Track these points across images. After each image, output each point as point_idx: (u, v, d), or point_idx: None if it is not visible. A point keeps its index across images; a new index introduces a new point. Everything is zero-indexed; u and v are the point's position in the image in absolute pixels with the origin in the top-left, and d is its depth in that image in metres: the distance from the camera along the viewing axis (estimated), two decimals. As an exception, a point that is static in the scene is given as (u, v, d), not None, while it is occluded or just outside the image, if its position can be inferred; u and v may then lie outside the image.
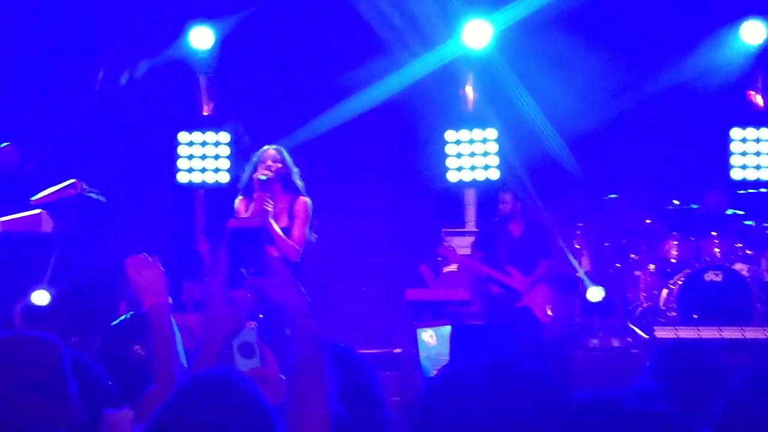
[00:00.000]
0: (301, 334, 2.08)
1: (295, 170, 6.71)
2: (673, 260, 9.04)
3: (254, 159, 6.77)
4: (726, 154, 9.75)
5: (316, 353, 2.07)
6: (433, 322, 8.59)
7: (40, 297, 8.27)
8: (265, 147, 6.81)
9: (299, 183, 6.70)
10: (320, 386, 2.02)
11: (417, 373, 8.54)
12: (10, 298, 8.49)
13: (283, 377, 2.68)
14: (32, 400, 2.18)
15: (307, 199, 6.69)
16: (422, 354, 8.35)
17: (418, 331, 8.56)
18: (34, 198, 8.80)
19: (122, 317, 3.67)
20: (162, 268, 3.06)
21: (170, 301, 3.05)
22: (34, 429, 2.19)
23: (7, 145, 9.27)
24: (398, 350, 8.75)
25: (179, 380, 2.77)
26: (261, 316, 5.93)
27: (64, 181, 8.81)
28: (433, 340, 8.28)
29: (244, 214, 6.65)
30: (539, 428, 1.38)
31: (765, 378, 1.44)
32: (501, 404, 1.39)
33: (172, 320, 3.00)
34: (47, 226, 8.75)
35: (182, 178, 10.21)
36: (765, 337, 8.08)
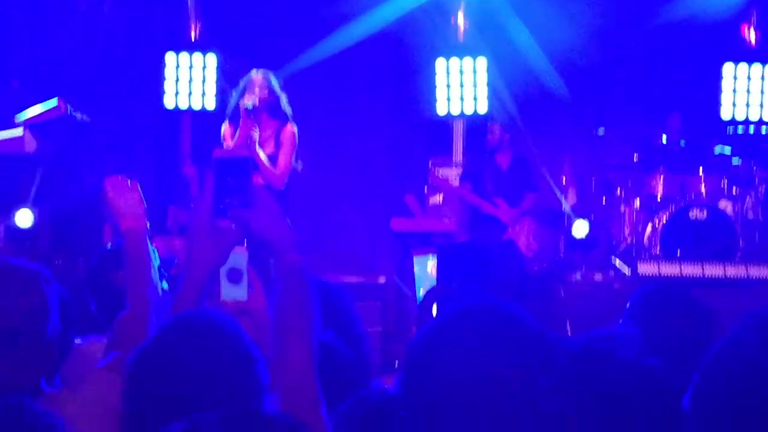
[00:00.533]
0: (285, 269, 2.03)
1: (283, 97, 6.63)
2: (658, 197, 9.05)
3: (241, 85, 6.68)
4: (717, 90, 9.70)
5: (301, 289, 2.02)
6: (428, 249, 8.62)
7: (24, 218, 8.23)
8: (253, 73, 6.71)
9: (287, 110, 6.62)
10: (305, 323, 1.98)
11: (408, 301, 8.59)
12: (-6, 218, 8.47)
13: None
14: (10, 341, 2.12)
15: (294, 127, 6.62)
16: (420, 284, 8.38)
17: (415, 258, 8.59)
18: (18, 117, 8.70)
19: (108, 245, 3.64)
20: (141, 191, 3.03)
21: (147, 225, 3.02)
22: (10, 377, 2.13)
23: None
24: (382, 279, 8.78)
25: (153, 306, 2.77)
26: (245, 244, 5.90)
27: (49, 100, 8.70)
28: (432, 271, 8.32)
29: (230, 141, 6.59)
30: (527, 379, 1.36)
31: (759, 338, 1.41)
32: (488, 357, 1.36)
33: (149, 244, 2.98)
34: (31, 146, 8.67)
35: (169, 102, 10.12)
36: (746, 275, 8.14)
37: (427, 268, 8.51)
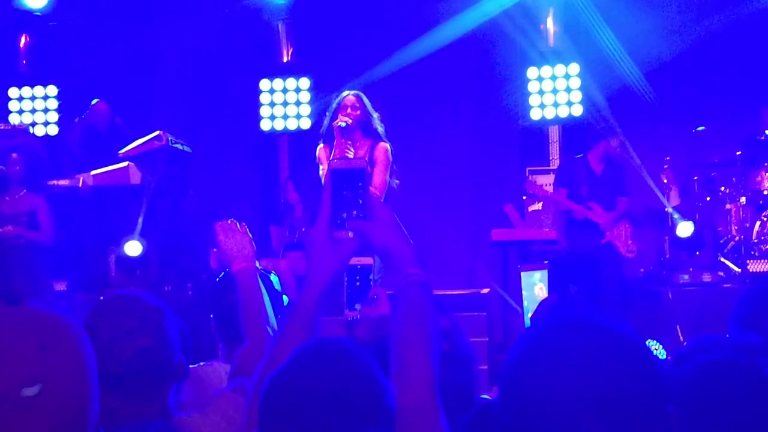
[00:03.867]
0: (405, 282, 1.99)
1: (375, 116, 6.65)
2: (765, 192, 8.80)
3: (334, 105, 6.74)
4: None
5: (422, 302, 1.97)
6: (535, 265, 8.53)
7: (133, 248, 8.47)
8: (345, 93, 6.76)
9: (379, 128, 6.64)
10: (426, 337, 1.94)
11: (513, 311, 8.52)
12: (105, 249, 8.74)
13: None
14: (138, 376, 2.23)
15: (387, 145, 6.63)
16: (527, 299, 8.29)
17: (522, 274, 8.49)
18: (121, 151, 8.98)
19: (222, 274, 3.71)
20: (249, 234, 3.11)
21: (258, 264, 3.11)
22: (145, 382, 2.24)
23: (97, 102, 9.44)
24: (485, 290, 8.74)
25: (270, 337, 2.83)
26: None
27: (150, 133, 8.95)
28: (542, 292, 8.22)
29: (325, 162, 6.65)
30: (626, 393, 1.32)
31: None
32: (581, 371, 1.34)
33: (259, 280, 3.05)
34: (135, 178, 8.93)
35: (265, 125, 10.35)
36: None
37: (534, 285, 8.43)
